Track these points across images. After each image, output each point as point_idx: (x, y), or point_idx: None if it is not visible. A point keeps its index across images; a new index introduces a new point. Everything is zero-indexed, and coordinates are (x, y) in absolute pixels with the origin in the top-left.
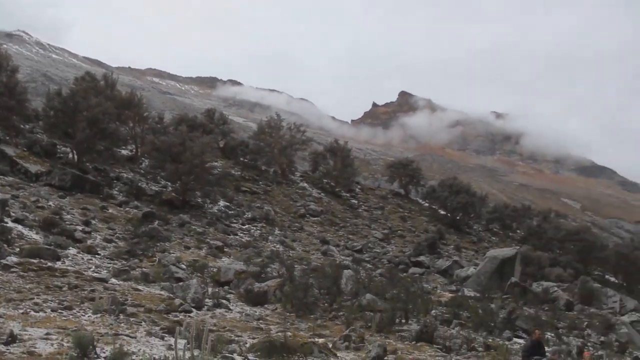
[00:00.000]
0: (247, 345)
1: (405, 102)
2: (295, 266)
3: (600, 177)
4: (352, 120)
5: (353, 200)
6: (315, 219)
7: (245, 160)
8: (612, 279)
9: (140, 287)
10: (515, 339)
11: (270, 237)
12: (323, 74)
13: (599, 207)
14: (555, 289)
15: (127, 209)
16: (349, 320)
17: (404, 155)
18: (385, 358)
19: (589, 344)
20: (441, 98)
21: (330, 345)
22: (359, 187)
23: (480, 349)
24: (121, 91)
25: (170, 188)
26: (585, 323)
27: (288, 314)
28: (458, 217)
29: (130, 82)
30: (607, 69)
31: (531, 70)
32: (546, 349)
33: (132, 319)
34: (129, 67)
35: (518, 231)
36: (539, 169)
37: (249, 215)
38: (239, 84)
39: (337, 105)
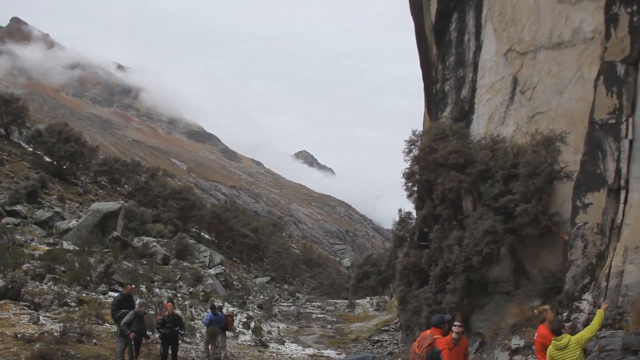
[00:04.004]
0: None
1: (18, 30)
2: None
3: (207, 142)
4: None
5: None
6: None
7: None
8: (207, 236)
9: None
10: (110, 293)
11: None
12: None
13: (202, 170)
14: (155, 244)
15: None
16: None
17: (9, 90)
18: None
19: (179, 294)
20: (62, 36)
21: None
22: None
23: (73, 304)
24: None
25: None
26: (179, 276)
27: None
28: (65, 167)
29: None
30: (235, 48)
31: (165, 33)
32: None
33: None
34: None
35: (126, 186)
36: (153, 128)
37: None
38: None
39: None
